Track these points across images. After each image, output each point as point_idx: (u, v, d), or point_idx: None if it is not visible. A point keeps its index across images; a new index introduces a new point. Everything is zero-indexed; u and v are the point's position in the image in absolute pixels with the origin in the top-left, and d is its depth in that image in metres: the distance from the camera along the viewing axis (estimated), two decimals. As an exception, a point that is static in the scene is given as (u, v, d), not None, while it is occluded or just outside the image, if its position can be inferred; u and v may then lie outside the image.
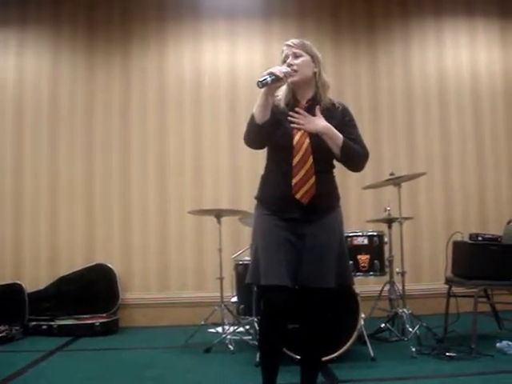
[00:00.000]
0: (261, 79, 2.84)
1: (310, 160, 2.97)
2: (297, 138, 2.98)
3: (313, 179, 2.96)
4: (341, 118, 3.12)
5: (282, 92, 3.09)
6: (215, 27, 6.65)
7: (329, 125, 2.99)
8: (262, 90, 2.89)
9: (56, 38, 6.55)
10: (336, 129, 3.01)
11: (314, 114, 3.01)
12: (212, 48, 6.64)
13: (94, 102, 6.50)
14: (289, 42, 3.11)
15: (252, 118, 2.94)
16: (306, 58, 3.05)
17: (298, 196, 2.94)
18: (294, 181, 2.95)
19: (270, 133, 2.97)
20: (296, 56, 3.04)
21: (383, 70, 6.76)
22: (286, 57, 3.06)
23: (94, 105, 6.49)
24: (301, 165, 2.95)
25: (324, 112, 3.06)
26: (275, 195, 3.02)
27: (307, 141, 2.98)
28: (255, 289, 4.62)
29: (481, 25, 6.91)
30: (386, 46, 6.79)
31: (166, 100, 6.54)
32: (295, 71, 3.00)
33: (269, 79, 2.84)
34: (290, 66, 3.00)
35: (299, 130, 2.99)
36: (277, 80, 2.87)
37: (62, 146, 6.42)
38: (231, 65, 6.64)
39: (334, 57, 6.65)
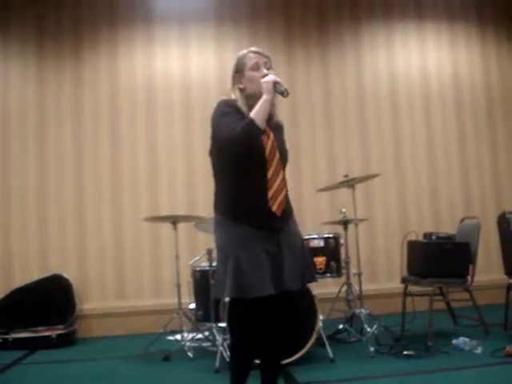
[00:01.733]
0: (283, 88, 2.87)
1: (282, 172, 3.00)
2: (268, 149, 2.96)
3: (284, 191, 2.99)
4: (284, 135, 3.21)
5: (239, 99, 3.02)
6: (167, 31, 6.62)
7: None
8: (264, 97, 2.87)
9: (5, 44, 6.42)
10: (285, 145, 3.13)
11: (269, 126, 3.02)
12: (164, 52, 6.60)
13: (45, 109, 6.38)
14: (258, 50, 3.06)
15: (252, 123, 2.83)
16: (273, 70, 3.05)
17: (274, 208, 2.93)
18: (270, 193, 2.93)
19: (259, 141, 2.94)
20: (267, 67, 3.02)
21: (335, 73, 6.82)
22: (257, 65, 3.01)
23: (45, 112, 6.38)
24: (275, 177, 2.96)
25: (276, 127, 3.11)
26: (251, 207, 2.95)
27: (277, 153, 2.99)
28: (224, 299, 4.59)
29: (430, 28, 7.05)
30: (337, 50, 6.86)
31: (118, 106, 6.48)
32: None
33: (285, 90, 2.88)
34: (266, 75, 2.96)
35: (268, 139, 2.98)
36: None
37: (14, 154, 6.28)
38: (184, 69, 6.61)
39: (286, 60, 6.69)
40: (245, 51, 3.09)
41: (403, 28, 7.00)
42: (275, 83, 2.88)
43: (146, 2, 6.62)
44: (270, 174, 2.95)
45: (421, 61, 6.99)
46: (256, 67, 3.01)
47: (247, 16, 6.74)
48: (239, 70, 3.05)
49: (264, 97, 2.88)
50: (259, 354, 3.20)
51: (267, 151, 2.96)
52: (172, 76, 6.59)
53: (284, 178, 3.03)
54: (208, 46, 6.65)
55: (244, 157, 2.92)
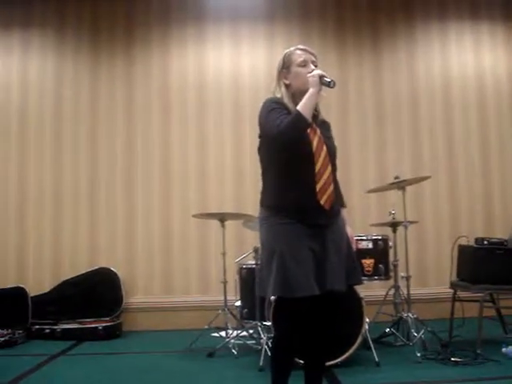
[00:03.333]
0: (330, 80, 2.91)
1: (329, 166, 2.99)
2: (315, 144, 2.97)
3: (332, 185, 2.98)
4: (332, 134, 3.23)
5: (285, 96, 3.05)
6: (219, 30, 6.65)
7: (349, 228, 3.18)
8: (311, 90, 2.90)
9: (60, 41, 6.57)
10: (333, 141, 3.16)
11: (315, 123, 3.04)
12: (216, 51, 6.63)
13: (98, 105, 6.50)
14: (307, 48, 3.10)
15: (300, 116, 2.85)
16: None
17: (322, 201, 2.92)
18: (318, 187, 2.92)
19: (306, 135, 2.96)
20: (315, 65, 3.06)
21: (388, 74, 6.73)
22: (305, 62, 3.04)
23: (98, 109, 6.49)
24: (322, 171, 2.95)
25: (322, 124, 3.12)
26: (300, 201, 2.94)
27: (325, 148, 2.99)
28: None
29: (485, 28, 6.88)
30: (390, 50, 6.76)
31: (169, 104, 6.53)
32: None
33: (332, 81, 2.91)
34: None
35: (315, 135, 2.98)
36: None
37: (66, 150, 6.42)
38: (235, 68, 6.62)
39: (339, 60, 6.63)
40: (292, 48, 3.12)
41: (458, 29, 6.84)
42: (321, 76, 2.90)
43: (198, 1, 6.64)
44: (317, 167, 2.94)
45: (476, 62, 6.83)
46: (304, 64, 3.04)
47: (299, 15, 6.70)
48: (286, 66, 3.08)
49: (310, 90, 2.91)
50: (303, 354, 3.18)
51: (314, 145, 2.96)
52: (223, 74, 6.61)
53: (333, 173, 3.02)
54: (259, 45, 6.65)
55: (291, 151, 2.94)
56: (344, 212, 3.20)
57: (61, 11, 6.58)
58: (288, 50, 3.12)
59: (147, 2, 6.62)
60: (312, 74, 2.94)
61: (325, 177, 2.94)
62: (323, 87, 2.94)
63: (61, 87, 6.51)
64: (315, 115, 3.06)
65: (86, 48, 6.57)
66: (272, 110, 2.97)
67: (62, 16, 6.58)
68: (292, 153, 2.94)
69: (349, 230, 3.16)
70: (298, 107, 2.88)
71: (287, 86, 3.05)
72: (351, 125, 6.56)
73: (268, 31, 6.66)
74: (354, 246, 3.14)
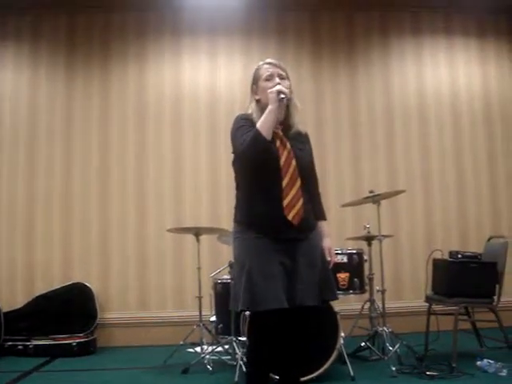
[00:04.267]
0: (283, 96, 2.90)
1: (298, 181, 2.98)
2: (283, 158, 2.97)
3: (301, 200, 2.97)
4: (310, 145, 3.24)
5: (254, 112, 3.06)
6: (196, 44, 6.64)
7: (329, 239, 3.20)
8: (270, 107, 2.90)
9: (35, 53, 6.51)
10: (307, 153, 3.16)
11: (287, 137, 3.05)
12: (192, 65, 6.63)
13: (73, 119, 6.44)
14: (273, 61, 3.10)
15: (259, 134, 2.87)
16: (287, 81, 3.08)
17: (289, 217, 2.92)
18: (285, 202, 2.93)
19: (271, 150, 2.94)
20: (281, 78, 3.05)
21: (363, 88, 6.77)
22: (272, 76, 3.04)
23: (73, 122, 6.43)
24: (290, 186, 2.95)
25: (297, 136, 3.12)
26: (266, 217, 2.96)
27: (293, 162, 2.98)
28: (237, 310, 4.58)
29: (459, 43, 6.96)
30: (365, 64, 6.81)
31: (145, 118, 6.50)
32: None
33: (285, 99, 2.90)
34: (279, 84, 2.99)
35: (284, 149, 2.97)
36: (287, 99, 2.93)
37: (39, 163, 6.34)
38: (211, 82, 6.62)
39: (314, 74, 6.65)
40: (261, 63, 3.15)
41: (432, 43, 6.91)
42: (279, 92, 2.89)
43: (174, 15, 6.63)
44: (284, 182, 2.95)
45: (450, 76, 6.90)
46: (269, 78, 3.04)
47: (275, 30, 6.72)
48: (255, 82, 3.12)
49: (269, 107, 2.91)
50: (278, 369, 3.17)
51: (282, 160, 2.96)
52: (199, 88, 6.60)
53: (304, 187, 3.02)
54: (235, 59, 6.65)
55: (258, 167, 2.96)
56: (323, 225, 3.21)
57: (36, 24, 6.52)
58: (257, 66, 3.15)
59: (123, 16, 6.59)
60: (271, 90, 2.94)
61: (293, 192, 2.94)
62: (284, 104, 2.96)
63: (35, 101, 6.44)
64: (288, 128, 3.06)
65: (61, 61, 6.51)
66: (240, 127, 3.01)
67: (38, 29, 6.52)
68: (259, 168, 2.96)
69: (327, 243, 3.16)
70: (257, 125, 2.89)
71: (257, 101, 3.06)
72: (327, 138, 6.58)
73: (244, 45, 6.67)
74: (332, 259, 3.14)
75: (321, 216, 3.22)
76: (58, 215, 6.29)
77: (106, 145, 6.43)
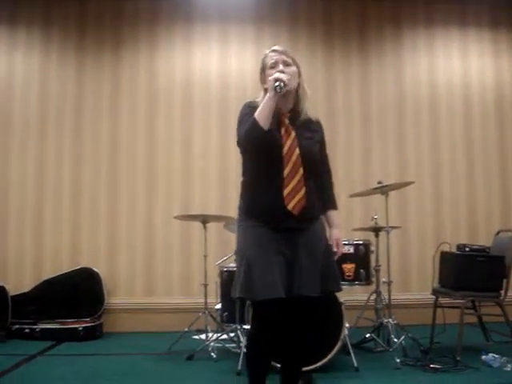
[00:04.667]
0: (277, 84, 2.82)
1: (301, 170, 2.94)
2: (286, 147, 2.93)
3: (303, 190, 2.93)
4: (322, 133, 3.19)
5: (261, 101, 3.03)
6: (207, 31, 6.61)
7: (338, 229, 3.18)
8: (268, 94, 2.86)
9: (46, 39, 6.51)
10: (319, 143, 3.12)
11: (295, 125, 3.00)
12: (203, 52, 6.61)
13: (84, 104, 6.44)
14: (278, 48, 3.05)
15: (256, 123, 2.83)
16: (294, 67, 3.03)
17: (289, 207, 2.89)
18: (286, 192, 2.90)
19: (272, 138, 2.91)
20: (287, 64, 3.00)
21: (375, 78, 6.72)
22: (276, 63, 3.00)
23: (82, 109, 6.44)
24: (292, 175, 2.92)
25: (306, 124, 3.08)
26: (266, 206, 2.94)
27: (297, 151, 2.94)
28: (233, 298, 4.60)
29: (473, 35, 6.90)
30: (377, 55, 6.76)
31: (156, 104, 6.50)
32: (288, 79, 2.93)
33: (282, 86, 2.84)
34: (282, 72, 2.93)
35: (288, 138, 2.95)
36: (285, 88, 2.87)
37: (50, 148, 6.36)
38: (222, 69, 6.60)
39: (326, 64, 6.61)
40: (267, 51, 3.10)
41: (445, 35, 6.85)
42: (276, 80, 2.84)
43: (186, 2, 6.60)
44: (286, 172, 2.92)
45: (462, 68, 6.84)
46: (274, 65, 3.01)
47: (287, 18, 6.69)
48: (262, 70, 3.09)
49: (267, 94, 2.88)
50: (280, 358, 3.17)
51: (285, 149, 2.93)
52: (210, 76, 6.59)
53: (307, 176, 2.97)
54: (247, 47, 6.62)
55: (259, 155, 2.95)
56: (333, 214, 3.20)
57: (47, 9, 6.52)
58: (264, 54, 3.11)
59: (135, 2, 6.58)
60: (270, 78, 2.91)
61: (294, 181, 2.91)
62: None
63: (46, 86, 6.45)
64: (296, 115, 3.04)
65: (72, 47, 6.51)
66: (245, 115, 2.99)
67: (49, 14, 6.52)
68: (261, 156, 2.94)
69: (335, 233, 3.14)
70: (255, 114, 2.86)
71: (266, 90, 3.03)
72: (338, 128, 6.55)
73: (256, 33, 6.64)
74: (339, 250, 3.11)
75: (331, 205, 3.20)
76: (68, 201, 6.31)
77: (115, 132, 6.43)
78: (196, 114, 6.52)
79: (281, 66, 2.97)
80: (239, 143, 2.97)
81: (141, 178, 6.39)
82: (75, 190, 6.33)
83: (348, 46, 6.73)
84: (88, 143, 6.40)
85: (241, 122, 2.99)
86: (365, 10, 6.80)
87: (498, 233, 5.25)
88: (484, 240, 5.75)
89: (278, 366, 3.24)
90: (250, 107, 3.01)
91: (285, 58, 3.01)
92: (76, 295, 5.97)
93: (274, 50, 3.05)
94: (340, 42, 6.72)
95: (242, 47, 6.64)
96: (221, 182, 6.39)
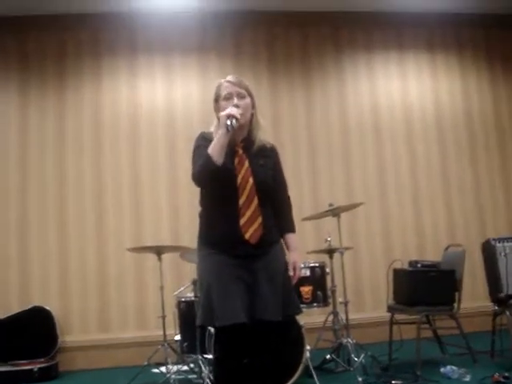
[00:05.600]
0: (229, 124, 2.83)
1: (255, 200, 2.98)
2: (240, 177, 2.98)
3: (260, 219, 2.98)
4: (275, 159, 3.24)
5: (214, 130, 3.05)
6: (151, 63, 6.62)
7: (296, 253, 3.18)
8: (220, 131, 2.87)
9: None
10: (273, 167, 3.17)
11: (249, 153, 3.05)
12: (148, 84, 6.61)
13: (27, 140, 6.32)
14: (232, 79, 3.07)
15: (209, 159, 2.86)
16: (248, 100, 3.06)
17: (246, 236, 2.93)
18: (242, 221, 2.94)
19: (226, 171, 2.93)
20: (241, 97, 3.04)
21: (319, 104, 6.85)
22: (230, 95, 3.03)
23: (27, 143, 6.32)
24: (247, 205, 2.96)
25: (259, 152, 3.11)
26: (222, 235, 2.97)
27: (251, 180, 2.98)
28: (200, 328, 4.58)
29: (411, 57, 7.13)
30: (320, 81, 6.90)
31: (102, 137, 6.44)
32: (241, 113, 2.97)
33: (234, 123, 2.85)
34: (236, 106, 2.96)
35: (242, 168, 2.99)
36: (237, 124, 2.88)
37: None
38: (168, 100, 6.61)
39: (271, 93, 6.72)
40: (222, 80, 3.12)
41: (384, 59, 7.07)
42: (228, 116, 2.87)
43: (129, 34, 6.62)
44: (241, 201, 2.96)
45: (402, 91, 7.05)
46: (228, 96, 3.03)
47: (231, 47, 6.78)
48: (216, 100, 3.11)
49: (219, 131, 2.89)
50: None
51: (239, 179, 2.97)
52: (156, 107, 6.58)
53: (262, 204, 3.01)
54: (192, 78, 6.66)
55: (214, 186, 2.98)
56: (290, 237, 3.21)
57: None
58: (218, 83, 3.13)
59: (77, 33, 6.53)
60: (221, 113, 2.92)
61: (249, 211, 2.95)
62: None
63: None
64: (250, 144, 3.08)
65: (14, 80, 6.41)
66: (197, 147, 3.05)
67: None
68: (215, 188, 2.98)
69: (293, 257, 3.16)
70: (209, 149, 2.89)
71: (219, 119, 3.06)
72: (285, 155, 6.57)
73: (201, 63, 6.69)
74: (296, 273, 3.12)
75: (289, 228, 3.22)
76: (14, 238, 6.15)
77: (62, 166, 6.33)
78: (143, 145, 6.49)
79: (235, 100, 3.00)
80: (194, 178, 2.98)
81: (90, 211, 6.29)
82: (22, 224, 6.17)
83: (291, 72, 6.85)
84: (33, 177, 6.27)
85: (195, 155, 3.03)
86: (306, 36, 6.95)
87: (446, 248, 5.41)
88: (432, 256, 5.92)
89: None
90: (204, 138, 3.04)
91: (239, 89, 3.04)
92: (29, 335, 5.80)
93: (228, 81, 3.06)
94: (284, 69, 6.84)
95: (186, 77, 6.68)
96: (172, 212, 6.37)
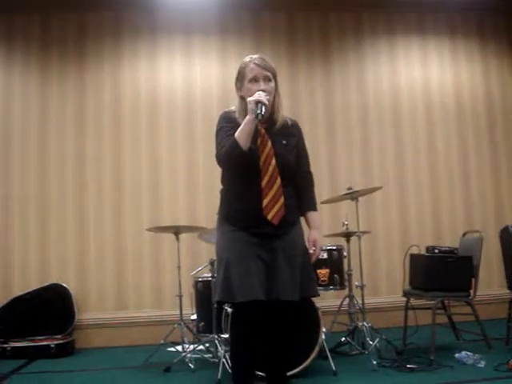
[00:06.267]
0: (259, 112, 2.84)
1: (279, 181, 2.99)
2: (263, 158, 2.98)
3: (282, 199, 2.99)
4: (298, 135, 3.24)
5: (237, 109, 3.07)
6: (171, 43, 6.63)
7: (318, 231, 3.17)
8: (248, 117, 2.88)
9: (9, 53, 6.44)
10: (296, 144, 3.17)
11: (271, 133, 3.05)
12: (168, 64, 6.61)
13: (48, 120, 6.37)
14: (260, 63, 3.04)
15: (236, 143, 2.88)
16: (273, 83, 3.06)
17: (269, 217, 2.95)
18: (265, 202, 2.95)
19: (249, 153, 2.94)
20: (268, 80, 3.03)
21: (338, 87, 6.83)
22: (256, 78, 3.02)
23: (47, 123, 6.37)
24: (270, 186, 2.97)
25: (282, 130, 3.11)
26: (245, 213, 2.99)
27: (273, 161, 2.99)
28: (215, 306, 4.63)
29: (432, 43, 7.07)
30: (340, 64, 6.87)
31: (121, 117, 6.47)
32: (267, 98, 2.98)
33: (263, 110, 2.85)
34: (263, 91, 2.96)
35: (264, 148, 2.99)
36: (267, 113, 2.89)
37: (15, 163, 6.27)
38: (187, 81, 6.61)
39: (290, 73, 6.69)
40: (247, 60, 3.09)
41: (406, 44, 7.02)
42: (257, 103, 2.87)
43: (150, 14, 6.62)
44: (264, 183, 2.97)
45: (423, 76, 7.01)
46: (254, 80, 3.02)
47: (251, 29, 6.76)
48: (240, 79, 3.10)
49: (247, 116, 2.90)
50: (263, 365, 3.19)
51: (262, 160, 2.98)
52: (175, 88, 6.59)
53: (285, 184, 3.02)
54: (211, 58, 6.66)
55: (237, 167, 2.99)
56: (313, 215, 3.21)
57: (10, 22, 6.45)
58: (244, 61, 3.10)
59: (99, 14, 6.54)
60: (250, 98, 2.91)
61: (272, 192, 2.96)
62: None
63: (9, 101, 6.37)
64: (273, 124, 3.08)
65: (35, 61, 6.45)
66: (220, 129, 3.06)
67: (11, 27, 6.45)
68: (237, 169, 3.00)
69: (314, 235, 3.16)
70: (236, 134, 2.90)
71: (242, 98, 3.06)
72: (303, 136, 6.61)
73: (220, 44, 6.69)
74: (316, 252, 3.13)
75: (310, 207, 3.22)
76: (34, 216, 6.22)
77: (81, 145, 6.38)
78: (162, 125, 6.51)
79: (262, 84, 3.00)
80: (219, 160, 3.02)
81: (109, 191, 6.34)
82: (42, 204, 6.24)
83: (311, 55, 6.82)
84: (53, 157, 6.33)
85: (217, 137, 3.06)
86: (327, 20, 6.91)
87: (464, 234, 5.39)
88: (449, 242, 5.92)
89: (261, 374, 3.25)
90: (227, 119, 3.05)
91: (266, 72, 3.03)
92: (46, 312, 5.90)
93: (256, 64, 3.04)
94: (304, 52, 6.81)
95: (206, 58, 6.67)
96: (189, 192, 6.39)
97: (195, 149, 6.41)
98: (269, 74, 3.04)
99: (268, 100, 2.95)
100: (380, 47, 6.98)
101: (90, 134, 6.41)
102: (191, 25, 6.68)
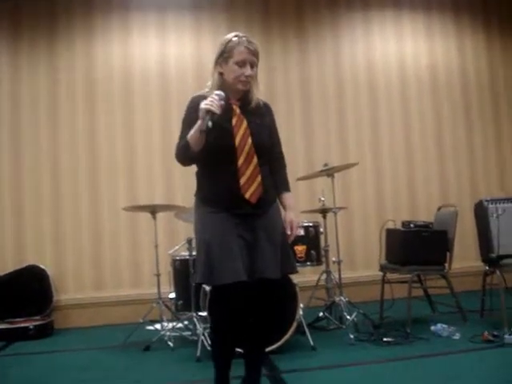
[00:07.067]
0: (208, 124, 2.76)
1: (255, 160, 2.98)
2: (238, 138, 2.96)
3: (259, 178, 2.98)
4: (270, 116, 3.24)
5: (213, 84, 3.03)
6: (145, 19, 6.53)
7: (293, 212, 3.17)
8: (199, 121, 2.82)
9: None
10: (269, 127, 3.18)
11: (245, 112, 3.03)
12: (142, 40, 6.52)
13: (20, 95, 6.25)
14: (250, 47, 2.97)
15: (187, 146, 2.88)
16: (256, 68, 3.04)
17: (247, 196, 2.93)
18: (242, 181, 2.93)
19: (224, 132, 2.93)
20: (253, 66, 3.00)
21: (313, 62, 6.82)
22: (243, 63, 2.96)
23: (19, 100, 6.26)
24: (246, 165, 2.95)
25: (255, 110, 3.10)
26: (222, 194, 2.97)
27: (249, 140, 2.98)
28: (194, 285, 4.65)
29: (407, 17, 7.08)
30: (315, 39, 6.85)
31: (95, 95, 6.38)
32: (247, 82, 2.99)
33: (210, 123, 2.77)
34: (247, 77, 2.95)
35: (240, 127, 2.98)
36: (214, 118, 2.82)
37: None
38: (161, 57, 6.53)
39: (264, 49, 6.54)
40: (236, 40, 2.98)
41: (381, 17, 7.01)
42: (207, 112, 2.79)
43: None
44: (240, 162, 2.95)
45: (398, 51, 7.03)
46: (242, 64, 2.97)
47: (225, 4, 6.69)
48: (225, 57, 2.99)
49: (198, 122, 2.84)
50: (242, 342, 3.21)
51: (237, 139, 2.96)
52: (149, 64, 6.51)
53: (261, 163, 3.01)
54: (185, 34, 6.59)
55: (211, 147, 2.93)
56: (287, 196, 3.21)
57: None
58: (233, 39, 2.98)
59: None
60: (202, 105, 2.81)
61: (249, 171, 2.95)
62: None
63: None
64: (247, 103, 3.07)
65: (5, 35, 6.30)
66: (184, 120, 3.04)
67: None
68: (211, 149, 2.94)
69: (289, 216, 3.15)
70: (188, 136, 2.88)
71: (221, 74, 3.03)
72: (278, 113, 6.54)
73: (194, 20, 6.61)
74: (293, 232, 3.13)
75: (284, 187, 3.22)
76: (8, 196, 6.15)
77: (55, 125, 6.29)
78: (136, 102, 6.44)
79: (248, 69, 2.96)
80: (175, 158, 3.05)
81: (83, 170, 6.27)
82: (16, 186, 6.16)
83: (286, 31, 6.79)
84: (27, 135, 6.22)
85: (181, 126, 3.03)
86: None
87: (439, 208, 5.46)
88: (424, 216, 5.98)
89: (240, 350, 3.28)
90: (193, 108, 2.99)
91: (254, 58, 3.00)
92: (24, 294, 5.85)
93: (246, 47, 2.96)
94: (278, 28, 6.78)
95: (180, 34, 6.59)
96: (165, 171, 6.35)
97: (171, 127, 6.34)
98: (256, 59, 3.02)
99: (248, 84, 2.99)
100: (355, 22, 6.97)
101: (64, 112, 6.31)
102: (164, 0, 6.59)
